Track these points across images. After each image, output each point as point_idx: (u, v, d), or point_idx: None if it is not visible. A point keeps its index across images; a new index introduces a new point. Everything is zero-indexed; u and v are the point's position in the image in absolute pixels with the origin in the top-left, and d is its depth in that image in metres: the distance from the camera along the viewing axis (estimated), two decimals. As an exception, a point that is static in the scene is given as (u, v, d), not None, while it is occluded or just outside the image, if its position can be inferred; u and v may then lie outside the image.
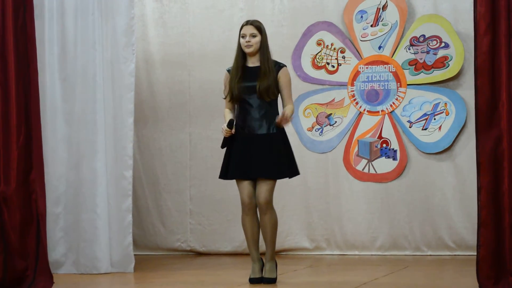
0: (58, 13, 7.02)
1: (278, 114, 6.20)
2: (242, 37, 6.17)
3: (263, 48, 6.17)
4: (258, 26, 6.17)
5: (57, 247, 7.00)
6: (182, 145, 8.64)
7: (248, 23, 6.19)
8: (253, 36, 6.15)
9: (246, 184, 6.15)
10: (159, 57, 8.68)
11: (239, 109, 6.24)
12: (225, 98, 6.28)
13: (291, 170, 6.22)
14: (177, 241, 8.61)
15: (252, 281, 6.21)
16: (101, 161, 6.98)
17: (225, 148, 6.27)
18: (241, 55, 6.21)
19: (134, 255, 7.22)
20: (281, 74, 6.21)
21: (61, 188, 7.01)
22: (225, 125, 6.15)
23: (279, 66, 6.23)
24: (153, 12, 8.71)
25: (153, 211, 8.66)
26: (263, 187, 6.12)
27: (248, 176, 6.13)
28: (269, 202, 6.14)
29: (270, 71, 6.14)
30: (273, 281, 6.19)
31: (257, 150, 6.13)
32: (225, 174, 6.22)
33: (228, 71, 6.27)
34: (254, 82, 6.13)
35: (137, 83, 7.84)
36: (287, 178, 6.34)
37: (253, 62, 6.21)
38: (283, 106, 6.23)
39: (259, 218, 6.20)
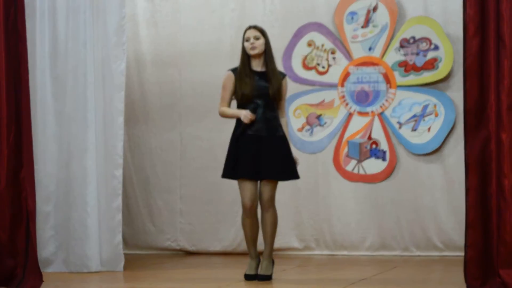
0: (49, 12, 7.02)
1: (278, 116, 6.24)
2: (246, 40, 6.24)
3: (268, 51, 6.25)
4: (261, 29, 6.27)
5: (47, 246, 7.00)
6: (172, 144, 8.64)
7: (250, 27, 6.28)
8: (257, 38, 6.22)
9: (250, 186, 6.15)
10: (150, 56, 8.68)
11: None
12: (233, 97, 6.27)
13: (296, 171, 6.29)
14: (167, 240, 8.62)
15: (247, 277, 6.26)
16: (91, 160, 6.98)
17: (226, 149, 6.25)
18: (247, 59, 6.26)
19: (124, 254, 7.21)
20: (284, 82, 6.30)
21: (51, 187, 7.02)
22: (248, 111, 6.10)
23: (283, 75, 6.32)
24: (145, 12, 8.72)
25: (143, 210, 8.67)
26: (268, 186, 6.18)
27: (258, 176, 6.16)
28: (273, 199, 6.21)
29: (277, 74, 6.22)
30: (268, 277, 6.23)
31: (266, 151, 6.15)
32: (232, 173, 6.21)
33: (233, 71, 6.28)
34: (266, 84, 6.19)
35: (127, 83, 7.84)
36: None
37: (257, 66, 6.27)
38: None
39: (261, 215, 6.24)
